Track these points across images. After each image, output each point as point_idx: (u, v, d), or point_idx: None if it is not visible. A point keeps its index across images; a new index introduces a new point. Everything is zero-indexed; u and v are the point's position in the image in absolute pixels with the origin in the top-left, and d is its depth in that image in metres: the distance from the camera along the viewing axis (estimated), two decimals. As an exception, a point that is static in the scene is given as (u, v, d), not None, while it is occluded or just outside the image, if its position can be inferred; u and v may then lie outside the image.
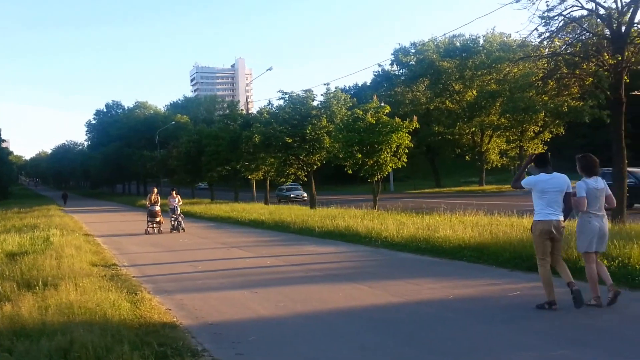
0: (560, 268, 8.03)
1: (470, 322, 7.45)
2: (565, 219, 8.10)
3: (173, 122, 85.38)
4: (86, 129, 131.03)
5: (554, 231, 7.82)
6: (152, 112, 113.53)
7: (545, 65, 15.67)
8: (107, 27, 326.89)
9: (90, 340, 6.29)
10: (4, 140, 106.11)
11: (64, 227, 24.18)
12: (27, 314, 7.81)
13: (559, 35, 15.04)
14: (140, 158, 75.60)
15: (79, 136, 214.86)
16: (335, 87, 36.34)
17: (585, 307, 7.62)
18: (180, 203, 25.00)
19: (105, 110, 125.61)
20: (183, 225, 23.75)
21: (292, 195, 50.49)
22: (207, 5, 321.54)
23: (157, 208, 24.21)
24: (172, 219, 23.76)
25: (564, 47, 15.15)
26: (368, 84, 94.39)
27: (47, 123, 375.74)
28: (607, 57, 14.11)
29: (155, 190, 25.82)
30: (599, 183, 7.94)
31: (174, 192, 25.15)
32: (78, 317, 7.70)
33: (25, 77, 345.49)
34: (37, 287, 9.71)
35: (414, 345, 6.58)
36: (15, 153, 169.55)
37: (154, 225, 23.95)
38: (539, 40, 15.31)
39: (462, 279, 10.18)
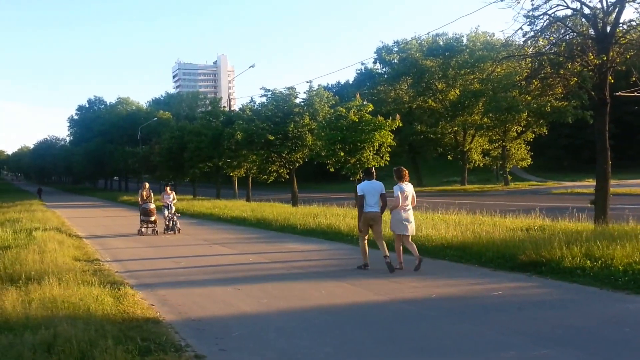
0: (380, 244, 11.52)
1: (452, 321, 7.49)
2: (382, 212, 11.52)
3: (155, 118, 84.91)
4: (68, 124, 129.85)
5: (373, 218, 11.43)
6: (134, 108, 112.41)
7: (529, 64, 15.70)
8: (89, 23, 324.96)
9: (74, 334, 6.33)
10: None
11: (47, 222, 24.02)
12: (11, 307, 7.85)
13: (544, 35, 15.04)
14: (122, 154, 75.36)
15: (61, 131, 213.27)
16: (318, 85, 36.52)
17: (553, 305, 7.91)
18: (175, 200, 22.74)
19: (87, 105, 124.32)
20: (178, 225, 21.40)
21: None
22: (189, 1, 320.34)
23: (152, 206, 21.65)
24: (167, 218, 21.42)
25: (548, 46, 15.15)
26: (351, 82, 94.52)
27: (29, 118, 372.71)
28: (592, 57, 14.06)
29: (147, 185, 23.34)
30: (408, 187, 11.57)
31: (168, 188, 23.10)
32: (61, 311, 7.73)
33: (7, 73, 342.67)
34: (21, 282, 9.76)
35: (396, 343, 6.63)
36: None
37: (149, 225, 21.47)
38: (523, 39, 15.32)
39: (445, 278, 10.25)
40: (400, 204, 11.34)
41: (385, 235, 12.48)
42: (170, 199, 22.07)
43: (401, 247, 11.61)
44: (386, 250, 11.34)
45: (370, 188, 11.55)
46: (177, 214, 21.79)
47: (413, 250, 11.35)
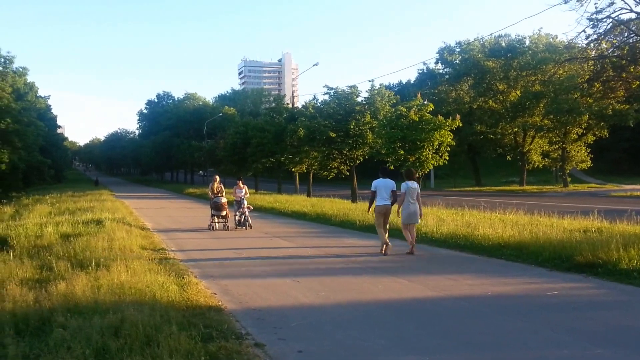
0: (384, 231, 13.56)
1: (507, 318, 7.51)
2: (392, 205, 13.64)
3: (221, 114, 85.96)
4: (138, 117, 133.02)
5: (385, 210, 13.55)
6: (200, 103, 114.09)
7: (592, 67, 15.47)
8: (160, 21, 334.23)
9: (140, 319, 6.60)
10: (59, 127, 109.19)
11: (115, 212, 24.80)
12: (81, 292, 8.18)
13: (607, 38, 14.80)
14: (189, 148, 76.94)
15: (131, 124, 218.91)
16: (380, 84, 36.23)
17: (609, 306, 7.89)
18: (248, 195, 21.69)
19: (156, 100, 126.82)
20: (250, 221, 20.49)
21: None
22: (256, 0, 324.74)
23: (224, 200, 20.57)
24: (238, 213, 20.37)
25: (611, 49, 14.91)
26: (412, 81, 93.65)
27: (101, 111, 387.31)
28: (656, 61, 13.85)
29: (218, 178, 22.48)
30: (414, 185, 13.53)
31: (240, 182, 21.67)
32: (128, 297, 8.05)
33: (82, 67, 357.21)
34: (90, 268, 10.15)
35: (451, 338, 6.70)
36: (70, 139, 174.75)
37: (220, 219, 20.58)
38: (586, 42, 15.12)
39: (501, 277, 10.24)
40: (405, 199, 13.35)
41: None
42: (243, 193, 21.12)
43: (409, 235, 13.47)
44: (387, 237, 13.62)
45: (383, 185, 13.67)
46: (249, 207, 20.93)
47: (413, 237, 13.44)
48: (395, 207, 13.94)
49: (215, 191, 21.31)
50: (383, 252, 13.46)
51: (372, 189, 13.79)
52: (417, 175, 27.00)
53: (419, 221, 13.84)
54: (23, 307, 7.61)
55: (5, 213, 27.98)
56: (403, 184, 13.48)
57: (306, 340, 6.70)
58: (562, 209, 20.98)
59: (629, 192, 39.72)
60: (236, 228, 20.27)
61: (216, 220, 20.64)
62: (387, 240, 13.59)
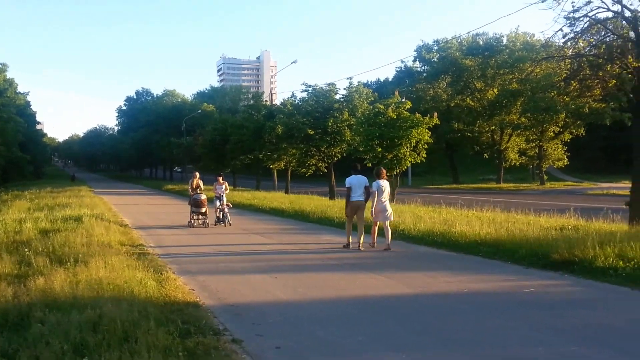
0: (359, 228, 14.06)
1: (484, 315, 7.58)
2: (365, 201, 14.06)
3: (199, 111, 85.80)
4: (117, 114, 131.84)
5: (358, 206, 13.96)
6: (179, 100, 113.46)
7: (569, 66, 15.60)
8: (139, 19, 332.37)
9: (118, 315, 6.59)
10: (38, 123, 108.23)
11: (94, 208, 24.62)
12: (59, 288, 8.15)
13: (584, 37, 14.92)
14: (168, 144, 76.70)
15: (110, 121, 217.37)
16: (358, 82, 36.53)
17: (585, 303, 8.10)
18: (228, 191, 21.58)
19: (135, 97, 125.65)
20: (229, 217, 20.56)
21: None
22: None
23: (203, 197, 20.50)
24: (218, 209, 20.51)
25: (588, 48, 15.03)
26: (390, 79, 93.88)
27: (80, 108, 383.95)
28: (632, 59, 13.97)
29: (197, 174, 22.33)
30: (385, 183, 13.92)
31: (221, 178, 21.73)
32: (107, 292, 8.02)
33: (60, 63, 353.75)
34: (69, 263, 10.08)
35: (428, 334, 6.78)
36: (49, 135, 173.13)
37: (200, 216, 20.44)
38: (563, 40, 15.21)
39: (478, 274, 10.34)
40: (376, 196, 13.75)
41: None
42: (223, 189, 21.07)
43: (376, 230, 14.16)
44: (362, 236, 13.98)
45: (356, 181, 14.00)
46: (228, 205, 20.99)
47: (387, 236, 13.81)
48: (369, 204, 14.27)
49: (195, 188, 21.37)
50: (354, 247, 13.83)
51: (347, 186, 14.07)
52: (395, 172, 27.50)
53: (392, 219, 14.24)
54: (1, 302, 7.58)
55: (-17, 209, 27.64)
56: (374, 183, 13.89)
57: (284, 336, 6.73)
58: (539, 207, 21.27)
59: (605, 190, 40.17)
60: (215, 225, 20.27)
61: (196, 217, 20.47)
62: (357, 239, 13.96)
